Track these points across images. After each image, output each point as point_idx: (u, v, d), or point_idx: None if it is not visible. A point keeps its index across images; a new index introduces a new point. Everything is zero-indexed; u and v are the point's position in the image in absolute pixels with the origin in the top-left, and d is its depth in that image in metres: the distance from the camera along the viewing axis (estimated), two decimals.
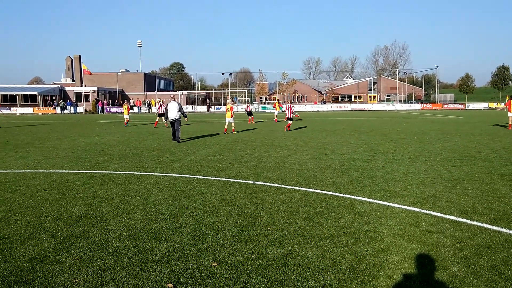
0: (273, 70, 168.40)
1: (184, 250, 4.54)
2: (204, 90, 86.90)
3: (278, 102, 34.26)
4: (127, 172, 9.34)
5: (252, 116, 30.68)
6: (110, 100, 63.99)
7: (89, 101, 61.72)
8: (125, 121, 27.08)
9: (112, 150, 13.44)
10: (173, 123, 16.07)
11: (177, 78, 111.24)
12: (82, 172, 9.40)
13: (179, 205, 6.43)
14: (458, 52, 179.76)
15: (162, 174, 9.14)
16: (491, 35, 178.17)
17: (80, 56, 71.90)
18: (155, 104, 63.26)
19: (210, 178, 8.63)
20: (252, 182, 8.18)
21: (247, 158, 11.39)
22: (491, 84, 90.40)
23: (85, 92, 62.87)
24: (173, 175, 9.00)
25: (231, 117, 20.02)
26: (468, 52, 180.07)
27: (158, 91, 72.32)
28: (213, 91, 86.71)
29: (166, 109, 16.53)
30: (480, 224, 5.38)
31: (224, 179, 8.51)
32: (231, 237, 4.94)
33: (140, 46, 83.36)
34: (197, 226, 5.38)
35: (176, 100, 16.81)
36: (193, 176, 8.81)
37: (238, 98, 78.41)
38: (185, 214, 5.95)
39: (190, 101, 70.15)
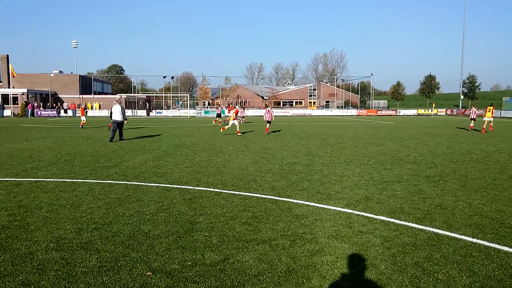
0: (216, 75, 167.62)
1: (117, 260, 4.37)
2: (145, 93, 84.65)
3: (230, 106, 37.56)
4: (58, 180, 8.85)
5: (220, 119, 32.92)
6: (41, 103, 60.37)
7: (17, 103, 57.75)
8: (81, 123, 27.91)
9: (41, 156, 12.67)
10: (119, 124, 17.63)
11: (115, 81, 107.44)
12: (6, 180, 8.77)
13: (113, 213, 6.20)
14: (391, 61, 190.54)
15: (96, 181, 8.77)
16: (420, 46, 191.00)
17: (8, 56, 67.15)
18: (92, 107, 61.03)
19: (148, 184, 8.41)
20: (192, 187, 8.08)
21: (187, 163, 11.24)
22: (419, 92, 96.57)
23: (13, 94, 58.70)
24: (109, 181, 8.67)
25: (234, 119, 21.94)
26: (400, 62, 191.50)
27: (95, 94, 69.42)
28: (154, 94, 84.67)
29: (111, 111, 17.89)
30: (406, 223, 5.71)
31: (163, 185, 8.33)
32: (167, 245, 4.84)
33: (75, 47, 79.66)
34: (132, 235, 5.21)
35: (120, 103, 18.24)
36: (130, 183, 8.54)
37: (181, 102, 77.33)
38: (120, 222, 5.75)
39: (129, 104, 68.01)
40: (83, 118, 28.03)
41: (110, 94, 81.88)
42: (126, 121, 18.20)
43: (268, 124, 22.85)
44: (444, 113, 67.39)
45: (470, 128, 26.65)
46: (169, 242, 4.95)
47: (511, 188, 8.04)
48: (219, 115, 33.72)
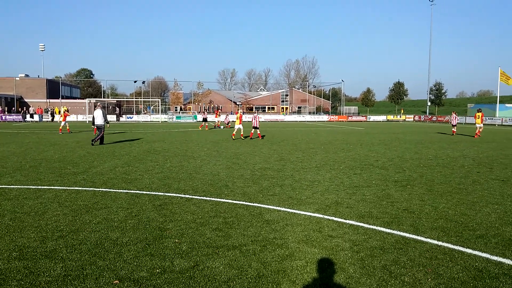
0: (189, 80, 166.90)
1: (83, 269, 4.25)
2: (115, 98, 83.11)
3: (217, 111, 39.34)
4: (22, 186, 8.54)
5: (207, 124, 34.69)
6: (6, 108, 58.26)
7: None
8: (67, 128, 28.38)
9: (5, 162, 12.21)
10: (99, 128, 18.31)
11: (84, 85, 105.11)
12: None
13: (80, 221, 6.03)
14: (361, 69, 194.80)
15: (62, 187, 8.51)
16: (389, 54, 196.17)
17: None
18: (59, 112, 59.31)
19: (117, 190, 8.24)
20: (162, 193, 7.97)
21: (158, 169, 11.09)
22: (389, 98, 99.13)
23: None
24: (76, 188, 8.43)
25: (240, 124, 23.09)
26: (369, 69, 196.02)
27: (63, 98, 67.61)
28: (125, 99, 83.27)
29: (93, 116, 18.63)
30: (375, 227, 5.82)
31: (132, 191, 8.18)
32: (136, 252, 4.75)
33: (42, 50, 77.51)
34: (99, 242, 5.08)
35: (101, 108, 18.81)
36: (98, 189, 8.34)
37: (152, 107, 76.31)
38: (87, 230, 5.60)
39: None
40: (64, 123, 27.84)
41: (78, 98, 79.99)
42: (108, 125, 18.98)
43: (253, 130, 23.52)
44: (412, 119, 69.30)
45: (453, 133, 28.40)
46: (138, 249, 4.85)
47: (475, 192, 8.32)
48: (205, 120, 35.08)
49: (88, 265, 4.36)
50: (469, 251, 4.91)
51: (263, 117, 66.15)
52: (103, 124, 18.35)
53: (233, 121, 38.78)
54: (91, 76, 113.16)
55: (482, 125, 26.94)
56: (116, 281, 3.96)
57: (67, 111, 31.21)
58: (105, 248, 4.87)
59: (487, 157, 14.51)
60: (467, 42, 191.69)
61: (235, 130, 23.47)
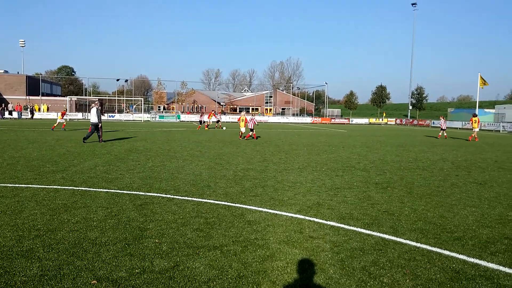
0: (172, 79, 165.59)
1: (60, 269, 4.17)
2: (97, 96, 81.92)
3: (213, 113, 39.75)
4: None
5: (206, 124, 35.81)
6: None
7: None
8: (62, 125, 28.59)
9: None
10: (94, 126, 18.72)
11: (65, 83, 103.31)
12: None
13: (58, 220, 5.92)
14: (345, 72, 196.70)
15: (41, 186, 8.34)
16: (372, 58, 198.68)
17: None
18: (39, 109, 58.18)
19: (97, 190, 8.12)
20: (143, 193, 7.89)
21: (139, 169, 10.97)
22: (371, 101, 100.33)
23: None
24: (54, 187, 8.28)
25: (244, 126, 23.97)
26: (353, 72, 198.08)
27: (43, 95, 66.37)
28: (107, 97, 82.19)
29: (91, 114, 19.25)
30: (355, 228, 5.88)
31: (113, 190, 8.07)
32: (115, 252, 4.68)
33: (23, 46, 76.03)
34: (78, 242, 5.00)
35: (97, 106, 19.19)
36: (78, 188, 8.20)
37: (135, 106, 75.51)
38: (65, 229, 5.49)
39: (80, 107, 65.58)
40: (61, 120, 28.46)
41: (59, 96, 78.58)
42: (100, 124, 19.01)
43: (250, 132, 23.97)
44: (394, 123, 70.28)
45: (445, 137, 29.67)
46: (117, 249, 4.79)
47: (453, 195, 8.48)
48: (201, 122, 35.98)
49: (66, 265, 4.28)
50: (446, 252, 5.00)
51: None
52: (97, 122, 18.79)
53: (218, 121, 39.21)
54: (73, 73, 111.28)
55: (477, 129, 28.32)
56: (94, 281, 3.90)
57: (66, 110, 32.85)
58: (84, 248, 4.79)
59: (465, 161, 14.81)
60: (448, 48, 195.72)
61: (242, 131, 24.49)
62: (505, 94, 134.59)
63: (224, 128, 36.62)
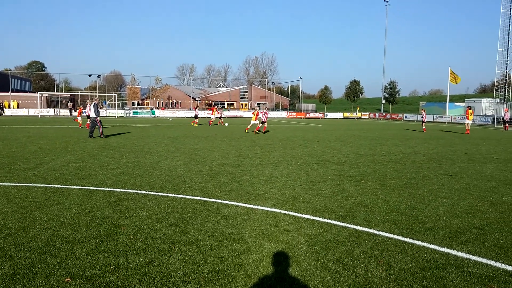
0: (146, 74, 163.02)
1: (33, 267, 4.08)
2: (69, 92, 79.89)
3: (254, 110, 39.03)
4: None
5: (197, 120, 35.12)
6: None
7: None
8: (79, 123, 28.68)
9: None
10: (93, 121, 19.47)
11: (36, 78, 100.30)
12: None
13: (30, 218, 5.77)
14: (319, 66, 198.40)
15: (12, 183, 8.11)
16: (346, 53, 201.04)
17: None
18: (9, 106, 56.30)
19: (70, 187, 7.95)
20: (118, 189, 7.78)
21: (113, 165, 10.79)
22: (345, 96, 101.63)
23: None
24: (26, 184, 8.06)
25: (255, 120, 25.38)
26: (327, 67, 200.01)
27: (13, 91, 64.25)
28: (79, 93, 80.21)
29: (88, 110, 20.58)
30: (330, 221, 5.97)
31: (86, 187, 7.92)
32: (88, 249, 4.61)
33: None
34: (50, 240, 4.89)
35: (95, 102, 19.90)
36: (50, 186, 8.01)
37: (108, 102, 74.06)
38: (37, 227, 5.37)
39: (52, 103, 63.79)
40: (79, 118, 28.82)
41: (30, 92, 76.26)
42: (98, 118, 19.56)
43: (261, 124, 25.27)
44: (368, 117, 71.47)
45: (423, 130, 30.75)
46: (91, 246, 4.71)
47: (425, 186, 8.72)
48: (196, 116, 35.55)
49: (38, 263, 4.19)
50: (418, 243, 5.14)
51: (223, 113, 65.90)
52: (95, 117, 19.50)
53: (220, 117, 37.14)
54: (43, 69, 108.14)
55: (471, 121, 29.68)
56: (68, 279, 3.84)
57: (83, 107, 31.65)
58: (57, 246, 4.70)
59: (436, 153, 15.23)
60: (420, 43, 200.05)
61: (250, 125, 26.02)
62: (474, 88, 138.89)
63: (227, 124, 35.84)
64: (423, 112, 32.58)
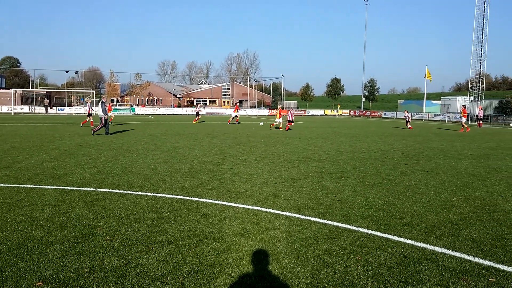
0: (126, 71, 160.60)
1: (2, 271, 3.93)
2: (45, 88, 78.05)
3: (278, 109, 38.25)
4: None
5: (199, 117, 36.21)
6: None
7: None
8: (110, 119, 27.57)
9: None
10: (100, 119, 20.13)
11: (10, 74, 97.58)
12: None
13: (0, 220, 5.58)
14: (301, 64, 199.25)
15: None
16: (327, 51, 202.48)
17: None
18: None
19: (44, 187, 7.74)
20: (94, 189, 7.61)
21: (90, 164, 10.57)
22: (326, 93, 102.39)
23: None
24: None
25: (280, 118, 27.66)
26: (309, 64, 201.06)
27: None
28: (56, 90, 78.49)
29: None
30: (310, 218, 5.97)
31: (61, 187, 7.72)
32: (62, 252, 4.48)
33: None
34: (22, 242, 4.73)
35: (103, 101, 21.28)
36: (23, 186, 7.78)
37: (86, 98, 72.67)
38: (8, 229, 5.19)
39: (26, 100, 62.22)
40: (110, 114, 27.64)
41: (3, 88, 74.15)
42: (106, 116, 20.16)
43: (289, 123, 26.66)
44: (348, 114, 72.16)
45: (410, 128, 31.45)
46: (65, 248, 4.58)
47: (402, 183, 8.82)
48: (197, 114, 36.05)
49: (9, 266, 4.04)
50: (395, 238, 5.18)
51: (204, 111, 65.60)
52: (102, 115, 20.06)
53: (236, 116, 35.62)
54: (18, 64, 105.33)
55: (465, 119, 29.87)
56: (39, 283, 3.71)
57: (112, 102, 31.93)
58: (28, 248, 4.55)
59: (414, 150, 15.46)
60: (398, 42, 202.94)
61: (277, 123, 27.77)
62: (450, 87, 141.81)
63: (262, 123, 35.05)
64: (406, 112, 33.73)
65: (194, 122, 34.51)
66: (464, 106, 30.82)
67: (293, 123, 28.02)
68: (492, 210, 6.65)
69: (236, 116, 34.28)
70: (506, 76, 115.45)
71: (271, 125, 29.18)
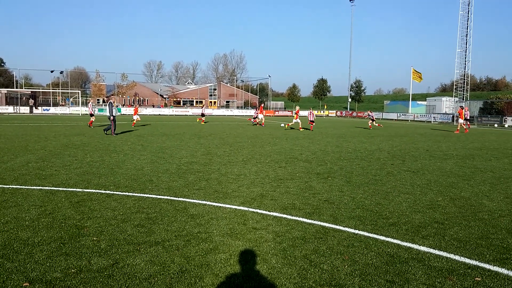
0: (112, 71, 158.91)
1: None
2: (29, 88, 76.81)
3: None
4: None
5: (203, 118, 36.68)
6: None
7: None
8: (133, 122, 28.85)
9: None
10: (109, 119, 20.48)
11: None
12: None
13: None
14: (287, 65, 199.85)
15: None
16: (313, 51, 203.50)
17: None
18: None
19: (30, 187, 7.64)
20: (81, 190, 7.54)
21: (76, 164, 10.46)
22: (313, 94, 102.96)
23: None
24: None
25: (297, 118, 28.27)
26: (295, 65, 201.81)
27: None
28: (41, 90, 77.29)
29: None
30: (297, 218, 6.01)
31: (47, 188, 7.63)
32: (49, 252, 4.44)
33: None
34: (8, 243, 4.68)
35: (111, 101, 21.06)
36: (8, 186, 7.67)
37: (71, 99, 71.83)
38: None
39: (11, 100, 61.16)
40: (135, 117, 28.91)
41: None
42: (111, 117, 20.37)
43: (311, 123, 28.34)
44: (335, 115, 72.66)
45: (378, 125, 32.93)
46: (51, 249, 4.54)
47: (388, 183, 8.93)
48: (203, 115, 36.62)
49: None
50: (382, 238, 5.25)
51: (190, 111, 65.38)
52: (109, 116, 20.46)
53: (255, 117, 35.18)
54: (2, 64, 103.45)
55: (463, 120, 30.25)
56: (26, 284, 3.67)
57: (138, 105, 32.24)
58: (14, 249, 4.50)
59: (400, 150, 15.65)
60: (384, 43, 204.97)
61: (293, 123, 28.60)
62: (435, 87, 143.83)
63: (282, 124, 34.71)
64: (369, 112, 35.47)
65: (202, 123, 34.98)
66: (461, 107, 31.11)
67: (314, 123, 28.91)
68: (477, 210, 6.78)
69: (260, 118, 33.20)
70: (490, 77, 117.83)
71: (286, 125, 30.03)
